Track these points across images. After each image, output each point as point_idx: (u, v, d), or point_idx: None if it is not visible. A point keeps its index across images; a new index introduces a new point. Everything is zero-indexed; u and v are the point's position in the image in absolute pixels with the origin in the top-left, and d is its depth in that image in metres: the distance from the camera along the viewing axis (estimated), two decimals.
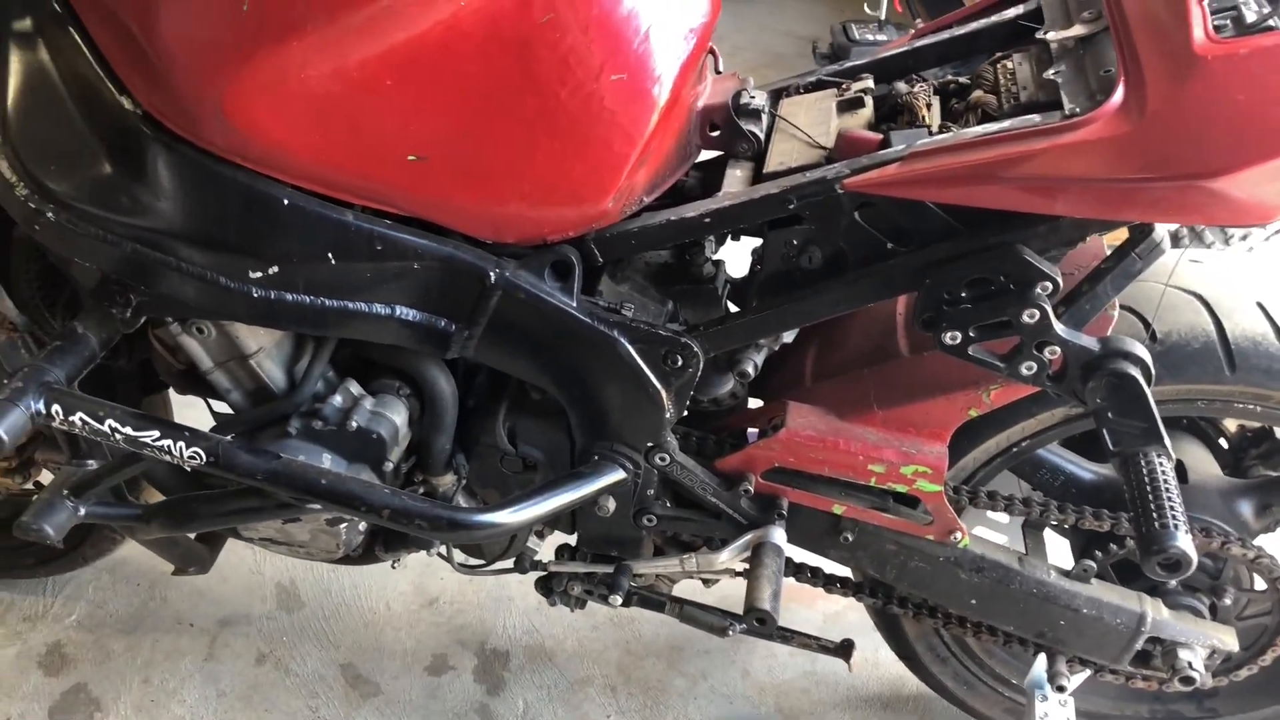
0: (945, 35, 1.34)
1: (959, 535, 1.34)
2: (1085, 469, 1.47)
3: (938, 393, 1.25)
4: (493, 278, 1.17)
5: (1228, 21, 0.97)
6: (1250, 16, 0.97)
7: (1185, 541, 1.12)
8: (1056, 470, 1.46)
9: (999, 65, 1.23)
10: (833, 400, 1.32)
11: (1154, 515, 1.13)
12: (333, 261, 1.12)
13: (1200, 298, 1.32)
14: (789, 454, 1.30)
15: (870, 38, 3.77)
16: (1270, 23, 0.95)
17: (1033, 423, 1.33)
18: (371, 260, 1.14)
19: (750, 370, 1.28)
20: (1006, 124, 1.08)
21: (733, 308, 1.36)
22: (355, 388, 1.31)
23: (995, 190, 1.03)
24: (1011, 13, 1.29)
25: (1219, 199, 0.96)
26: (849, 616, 2.00)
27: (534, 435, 1.37)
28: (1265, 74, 0.92)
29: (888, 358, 1.30)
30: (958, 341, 1.14)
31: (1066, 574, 1.42)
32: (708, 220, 1.17)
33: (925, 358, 1.26)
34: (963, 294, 1.11)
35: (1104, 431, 1.17)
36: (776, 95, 1.37)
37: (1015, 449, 1.37)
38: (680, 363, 1.22)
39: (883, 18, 3.92)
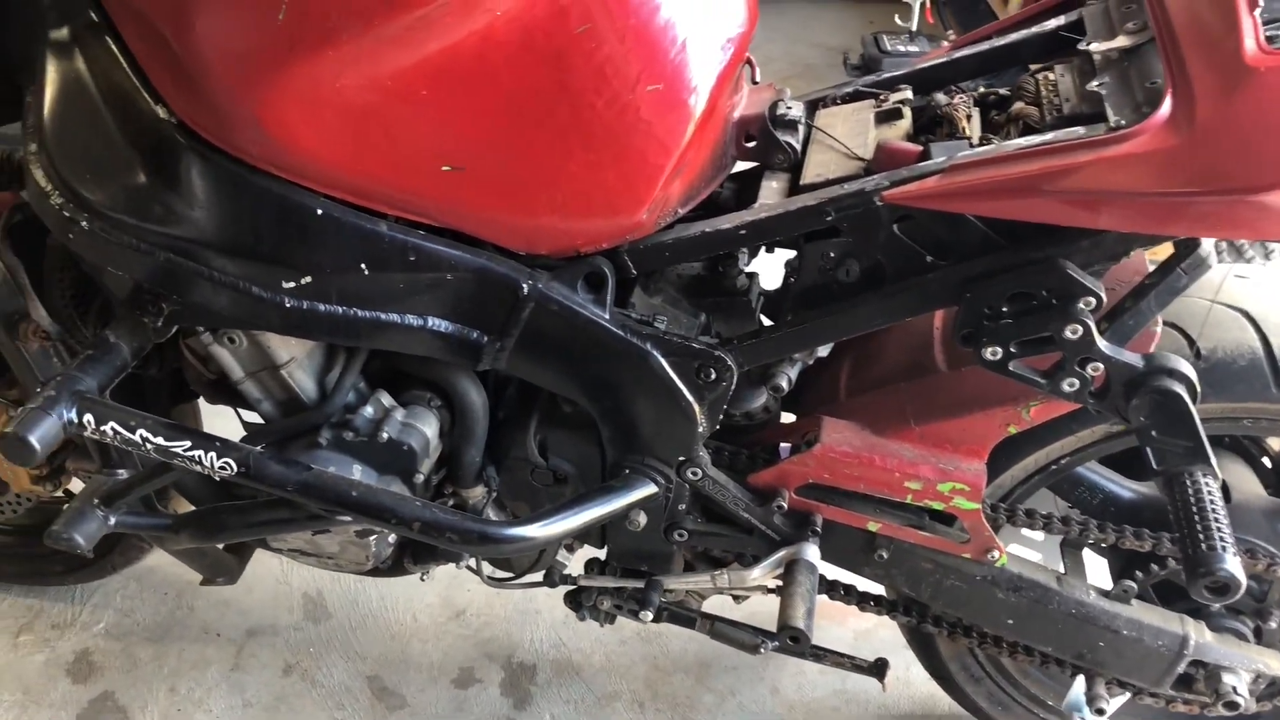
0: (984, 46, 1.32)
1: (996, 554, 1.31)
2: (1124, 487, 1.44)
3: (976, 409, 1.23)
4: (526, 289, 1.16)
5: None
6: None
7: (1234, 564, 1.09)
8: (1095, 488, 1.43)
9: (1040, 77, 1.21)
10: (868, 415, 1.30)
11: (1201, 537, 1.11)
12: (366, 272, 1.12)
13: (1246, 314, 1.29)
14: (823, 470, 1.28)
15: (902, 49, 3.76)
16: None
17: (1072, 440, 1.31)
18: (404, 271, 1.13)
19: (784, 384, 1.26)
20: (1049, 136, 1.06)
21: (766, 321, 1.35)
22: (386, 399, 1.30)
23: (1038, 204, 1.01)
24: (1052, 24, 1.26)
25: (1270, 214, 0.93)
26: (880, 634, 1.97)
27: (565, 448, 1.36)
28: None
29: (925, 373, 1.28)
30: (998, 357, 1.11)
31: (1106, 594, 1.39)
32: (743, 232, 1.16)
33: (963, 373, 1.24)
34: (1004, 309, 1.09)
35: (1148, 450, 1.14)
36: (813, 106, 1.35)
37: (1054, 466, 1.35)
38: (713, 376, 1.21)
39: (914, 29, 3.91)
